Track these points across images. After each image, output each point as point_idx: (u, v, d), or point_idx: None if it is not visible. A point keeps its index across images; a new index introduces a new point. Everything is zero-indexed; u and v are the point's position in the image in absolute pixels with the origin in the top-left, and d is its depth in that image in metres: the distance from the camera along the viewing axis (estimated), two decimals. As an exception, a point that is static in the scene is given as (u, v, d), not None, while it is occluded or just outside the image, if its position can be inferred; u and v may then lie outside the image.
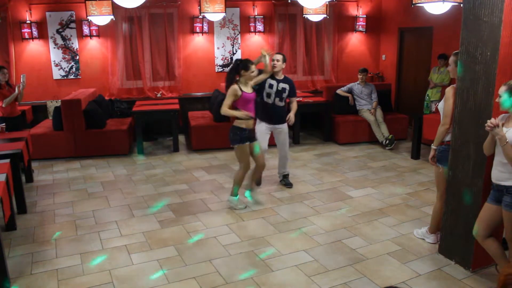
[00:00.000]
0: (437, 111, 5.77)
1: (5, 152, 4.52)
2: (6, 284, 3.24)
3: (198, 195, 5.25)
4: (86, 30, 7.89)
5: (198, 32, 8.37)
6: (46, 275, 3.47)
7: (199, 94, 8.64)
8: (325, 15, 7.71)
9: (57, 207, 4.90)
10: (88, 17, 7.12)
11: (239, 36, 8.64)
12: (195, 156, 6.93)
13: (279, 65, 5.15)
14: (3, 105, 5.81)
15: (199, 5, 7.17)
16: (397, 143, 7.44)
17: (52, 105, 7.75)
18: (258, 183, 5.36)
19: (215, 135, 7.16)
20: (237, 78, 4.55)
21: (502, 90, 2.88)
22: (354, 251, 3.83)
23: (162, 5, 8.06)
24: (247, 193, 4.95)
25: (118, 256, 3.77)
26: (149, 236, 4.15)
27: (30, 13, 7.65)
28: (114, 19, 7.37)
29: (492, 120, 2.80)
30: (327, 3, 7.28)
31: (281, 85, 5.19)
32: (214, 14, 7.18)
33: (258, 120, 5.21)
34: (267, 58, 4.82)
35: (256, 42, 8.64)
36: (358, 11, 9.15)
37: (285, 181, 5.52)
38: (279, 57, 5.19)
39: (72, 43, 7.95)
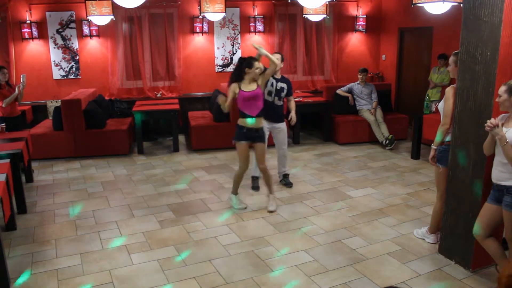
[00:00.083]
0: (437, 111, 5.78)
1: (5, 152, 4.52)
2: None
3: (198, 195, 5.25)
4: (86, 30, 7.89)
5: (198, 32, 8.37)
6: (46, 275, 3.47)
7: (199, 94, 8.64)
8: (325, 15, 7.71)
9: (57, 207, 4.90)
10: (88, 17, 7.12)
11: (239, 36, 8.64)
12: (195, 156, 6.93)
13: (278, 64, 5.15)
14: (3, 105, 5.81)
15: (199, 5, 7.17)
16: (397, 143, 7.44)
17: (52, 105, 7.75)
18: (255, 187, 5.39)
19: (215, 135, 7.16)
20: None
21: (502, 90, 2.88)
22: (354, 251, 3.83)
23: (162, 5, 8.06)
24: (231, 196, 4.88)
25: (118, 256, 3.77)
26: (149, 236, 4.15)
27: (30, 13, 7.65)
28: (114, 19, 7.37)
29: (492, 120, 2.80)
30: (327, 3, 7.28)
31: (280, 84, 5.21)
32: (214, 14, 7.18)
33: None
34: (262, 50, 4.53)
35: (256, 42, 8.62)
36: (358, 11, 9.15)
37: (285, 181, 5.52)
38: (278, 56, 5.19)
39: (72, 43, 7.95)
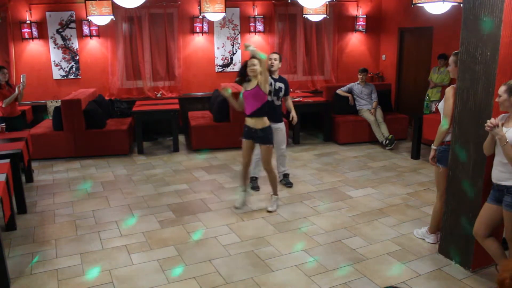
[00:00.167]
0: (437, 111, 5.78)
1: (5, 152, 4.52)
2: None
3: (198, 195, 5.25)
4: (86, 30, 7.89)
5: (198, 32, 8.37)
6: (46, 275, 3.47)
7: (199, 94, 8.64)
8: (325, 15, 7.72)
9: (57, 207, 4.90)
10: (88, 17, 7.13)
11: (239, 36, 8.64)
12: (195, 156, 6.93)
13: (276, 64, 5.16)
14: (3, 105, 5.81)
15: (199, 5, 7.18)
16: (397, 143, 7.44)
17: (52, 105, 7.75)
18: (255, 187, 5.39)
19: (215, 135, 7.16)
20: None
21: (502, 90, 2.88)
22: (354, 251, 3.83)
23: (162, 5, 8.06)
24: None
25: (118, 256, 3.77)
26: (149, 236, 4.15)
27: (30, 13, 7.65)
28: (114, 19, 7.38)
29: (492, 120, 2.80)
30: (327, 3, 7.29)
31: (278, 84, 5.21)
32: (214, 14, 7.19)
33: None
34: (250, 47, 4.36)
35: (256, 42, 8.63)
36: (358, 11, 9.15)
37: (285, 181, 5.53)
38: (276, 56, 5.21)
39: (72, 43, 7.95)
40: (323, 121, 7.83)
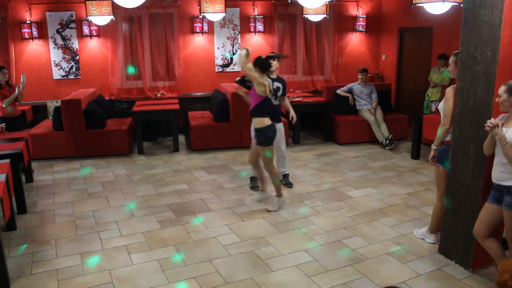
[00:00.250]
0: (437, 111, 5.78)
1: (5, 152, 4.52)
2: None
3: (198, 195, 5.25)
4: (86, 30, 7.89)
5: (198, 32, 8.37)
6: (46, 275, 3.47)
7: (199, 94, 8.64)
8: (325, 15, 7.71)
9: (57, 207, 4.90)
10: (88, 17, 7.12)
11: (239, 36, 8.64)
12: (195, 156, 6.93)
13: (275, 64, 5.14)
14: (3, 106, 5.81)
15: (199, 5, 7.17)
16: (397, 143, 7.44)
17: (52, 105, 7.75)
18: (254, 187, 5.39)
19: (215, 135, 7.16)
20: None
21: (502, 90, 2.88)
22: (354, 251, 3.83)
23: (162, 5, 8.06)
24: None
25: (118, 256, 3.77)
26: (149, 236, 4.15)
27: (30, 13, 7.64)
28: (114, 19, 7.37)
29: (492, 120, 2.80)
30: (327, 3, 7.28)
31: (276, 84, 5.20)
32: (214, 14, 7.18)
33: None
34: (240, 50, 4.48)
35: (256, 42, 8.64)
36: (358, 11, 9.15)
37: (285, 181, 5.52)
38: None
39: (72, 43, 7.95)
40: (323, 121, 7.83)
